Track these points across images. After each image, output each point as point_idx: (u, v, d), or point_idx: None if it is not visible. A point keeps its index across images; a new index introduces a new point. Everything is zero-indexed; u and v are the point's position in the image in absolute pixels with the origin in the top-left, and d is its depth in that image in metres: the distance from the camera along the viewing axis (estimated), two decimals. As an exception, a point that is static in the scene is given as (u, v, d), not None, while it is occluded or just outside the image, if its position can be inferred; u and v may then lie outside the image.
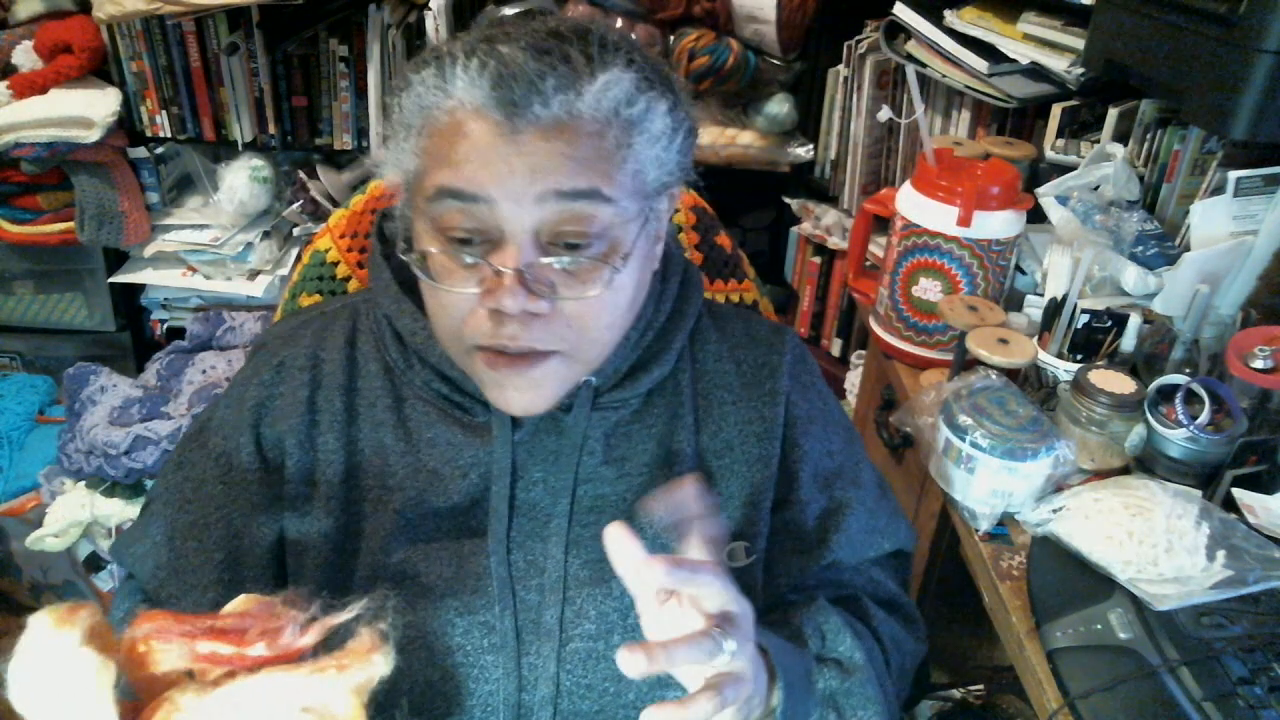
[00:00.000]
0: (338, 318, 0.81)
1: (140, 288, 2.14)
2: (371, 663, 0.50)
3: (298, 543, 0.75)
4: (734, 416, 0.79)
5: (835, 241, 2.06)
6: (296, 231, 2.16)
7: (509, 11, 2.00)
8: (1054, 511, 0.97)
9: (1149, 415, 1.01)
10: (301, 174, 2.07)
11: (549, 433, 0.75)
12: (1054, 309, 1.17)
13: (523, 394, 0.69)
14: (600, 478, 0.75)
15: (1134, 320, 1.14)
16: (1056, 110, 1.48)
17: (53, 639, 0.47)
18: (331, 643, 0.52)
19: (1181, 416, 0.98)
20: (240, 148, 2.03)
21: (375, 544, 0.73)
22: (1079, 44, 1.45)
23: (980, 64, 1.57)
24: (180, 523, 0.76)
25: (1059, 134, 1.48)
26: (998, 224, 1.21)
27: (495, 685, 0.70)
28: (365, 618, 0.52)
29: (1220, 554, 0.90)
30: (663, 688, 0.70)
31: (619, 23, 2.00)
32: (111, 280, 2.09)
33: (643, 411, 0.77)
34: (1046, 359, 1.15)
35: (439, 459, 0.74)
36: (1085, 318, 1.14)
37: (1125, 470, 1.05)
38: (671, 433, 0.77)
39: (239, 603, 0.54)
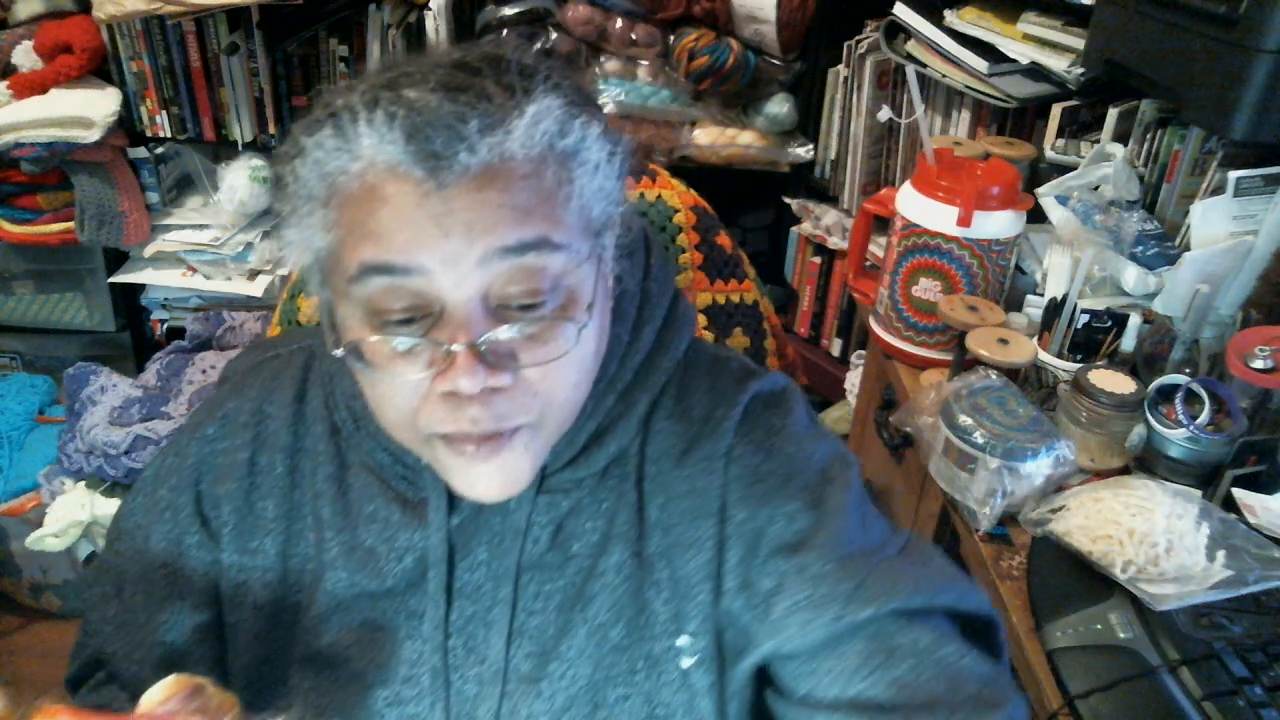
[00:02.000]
0: (291, 363, 0.75)
1: (140, 288, 2.14)
2: None
3: (235, 614, 0.71)
4: (674, 488, 0.67)
5: (835, 241, 2.06)
6: (296, 231, 2.16)
7: (509, 11, 2.00)
8: (1054, 511, 0.97)
9: (1149, 415, 1.01)
10: (301, 174, 2.07)
11: (493, 512, 0.67)
12: (1054, 309, 1.17)
13: (494, 481, 0.60)
14: (545, 564, 0.67)
15: (1134, 320, 1.14)
16: (1056, 110, 1.48)
17: None
18: None
19: (1181, 416, 0.98)
20: (240, 148, 2.03)
21: (308, 622, 0.69)
22: (1079, 44, 1.45)
23: (980, 64, 1.57)
24: (129, 574, 0.73)
25: (1059, 134, 1.48)
26: (998, 224, 1.21)
27: None
28: None
29: (1220, 554, 0.89)
30: None
31: (619, 23, 2.00)
32: (111, 280, 2.09)
33: (598, 488, 0.68)
34: (1046, 359, 1.15)
35: (376, 537, 0.68)
36: (1085, 318, 1.14)
37: (1125, 470, 1.05)
38: (616, 510, 0.67)
39: (166, 685, 0.51)
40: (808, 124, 2.08)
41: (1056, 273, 1.25)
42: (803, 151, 2.07)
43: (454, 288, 0.55)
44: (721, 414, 0.68)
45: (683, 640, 0.66)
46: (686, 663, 0.66)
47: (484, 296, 0.56)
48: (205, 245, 2.04)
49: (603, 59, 2.06)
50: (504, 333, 0.56)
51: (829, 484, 0.67)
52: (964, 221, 1.19)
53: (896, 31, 1.77)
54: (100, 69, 1.94)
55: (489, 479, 0.60)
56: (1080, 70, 1.46)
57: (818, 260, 2.15)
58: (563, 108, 0.57)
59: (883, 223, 1.38)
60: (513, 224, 0.55)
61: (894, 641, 0.61)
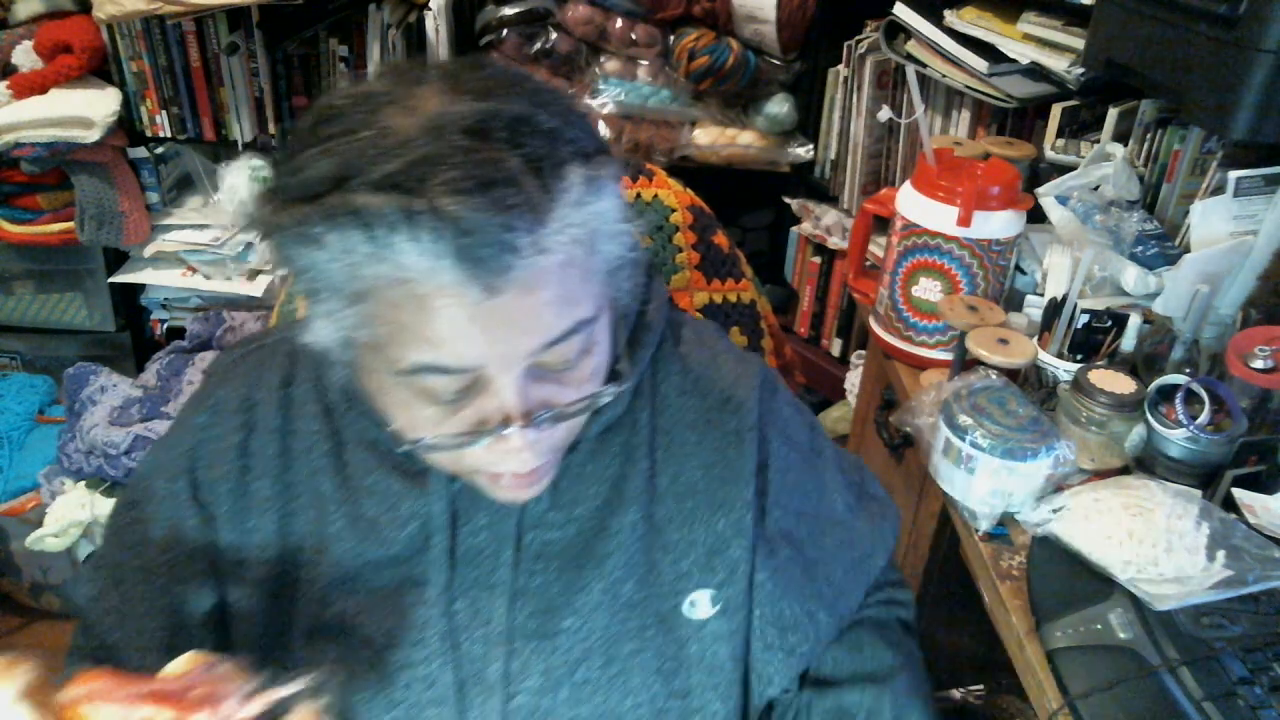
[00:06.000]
0: (276, 351, 0.76)
1: (140, 288, 2.14)
2: None
3: (235, 592, 0.73)
4: (698, 458, 0.74)
5: (835, 241, 2.06)
6: (296, 231, 2.16)
7: (509, 11, 2.00)
8: (1054, 511, 0.97)
9: (1149, 415, 1.01)
10: (301, 174, 2.07)
11: None
12: (1054, 309, 1.17)
13: (529, 491, 0.67)
14: (547, 523, 0.71)
15: (1134, 320, 1.14)
16: (1056, 110, 1.48)
17: None
18: (273, 712, 0.52)
19: (1181, 416, 0.98)
20: (240, 148, 2.03)
21: (313, 594, 0.71)
22: (1079, 44, 1.45)
23: (980, 64, 1.57)
24: (128, 566, 0.74)
25: (1059, 134, 1.48)
26: (998, 224, 1.21)
27: None
28: (307, 694, 0.52)
29: (1220, 554, 0.89)
30: None
31: (619, 23, 2.00)
32: (111, 280, 2.09)
33: (597, 450, 0.72)
34: (1046, 359, 1.15)
35: (378, 507, 0.71)
36: (1085, 318, 1.14)
37: (1125, 470, 1.05)
38: (625, 475, 0.72)
39: (184, 661, 0.53)
40: (808, 124, 2.08)
41: (1056, 273, 1.25)
42: (803, 151, 2.07)
43: (504, 376, 0.58)
44: (743, 395, 0.75)
45: (702, 592, 0.72)
46: (703, 612, 0.73)
47: (526, 370, 0.59)
48: (205, 245, 2.04)
49: (603, 59, 2.06)
50: (543, 405, 0.60)
51: (819, 457, 0.81)
52: (964, 221, 1.19)
53: (896, 31, 1.77)
54: (100, 69, 1.94)
55: (525, 492, 0.66)
56: (1080, 70, 1.46)
57: (818, 260, 2.15)
58: (580, 164, 0.56)
59: (883, 223, 1.38)
60: (559, 317, 0.57)
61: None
